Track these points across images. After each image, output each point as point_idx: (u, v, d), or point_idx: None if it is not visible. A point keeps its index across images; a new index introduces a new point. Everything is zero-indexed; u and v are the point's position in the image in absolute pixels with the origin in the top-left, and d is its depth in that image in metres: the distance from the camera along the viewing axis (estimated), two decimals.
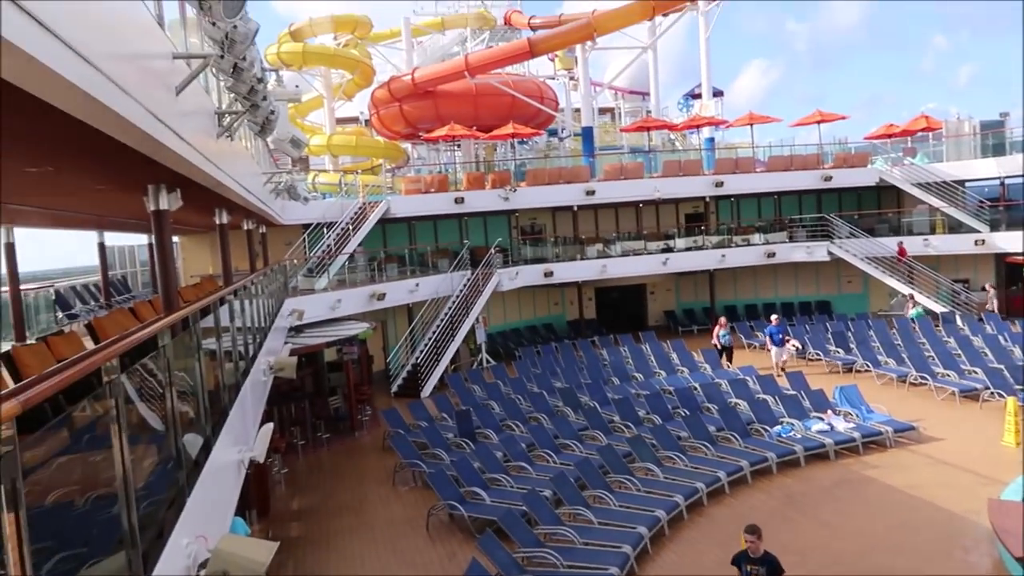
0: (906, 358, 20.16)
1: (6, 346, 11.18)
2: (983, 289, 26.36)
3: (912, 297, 25.63)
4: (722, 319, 23.38)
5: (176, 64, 5.50)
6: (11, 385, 6.41)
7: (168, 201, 7.10)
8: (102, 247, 18.28)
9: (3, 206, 9.52)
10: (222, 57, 4.80)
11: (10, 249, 12.42)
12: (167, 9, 5.64)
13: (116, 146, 4.57)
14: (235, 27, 4.23)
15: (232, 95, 6.70)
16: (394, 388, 23.40)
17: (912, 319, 24.34)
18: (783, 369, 21.10)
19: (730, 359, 22.43)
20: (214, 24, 4.18)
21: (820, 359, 22.67)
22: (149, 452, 4.61)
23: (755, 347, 25.21)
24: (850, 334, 23.33)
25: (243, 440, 7.82)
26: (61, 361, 7.10)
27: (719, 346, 22.61)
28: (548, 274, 26.72)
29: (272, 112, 7.07)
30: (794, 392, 17.35)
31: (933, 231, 28.19)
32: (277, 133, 8.31)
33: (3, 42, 2.20)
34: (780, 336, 21.86)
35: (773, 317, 22.72)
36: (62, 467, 3.33)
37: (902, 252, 27.39)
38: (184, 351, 5.53)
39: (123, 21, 3.98)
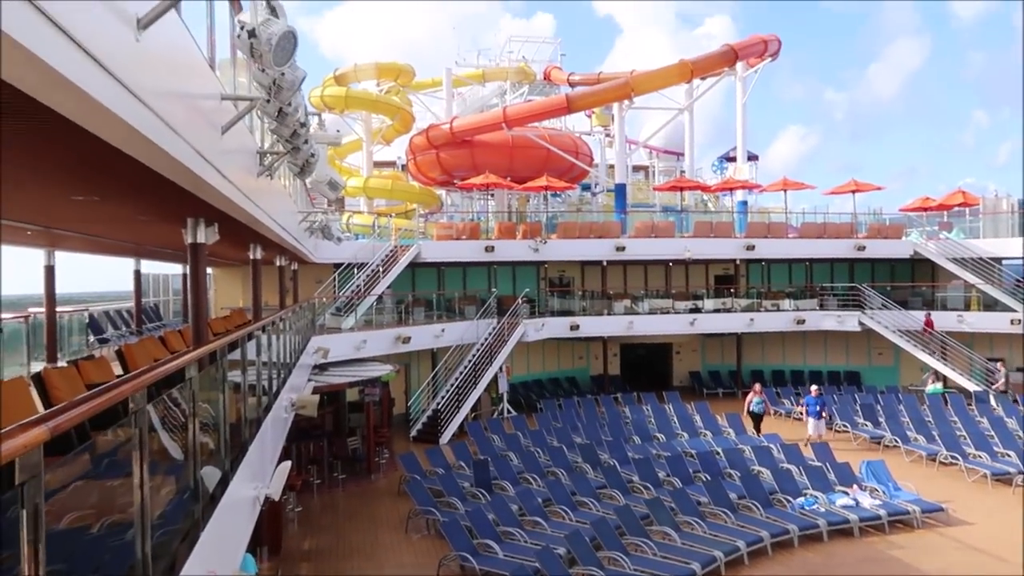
0: (936, 436, 19.64)
1: (37, 366, 11.40)
2: (998, 368, 25.61)
3: (935, 373, 25.14)
4: (756, 386, 22.58)
5: (223, 103, 5.70)
6: (40, 406, 6.52)
7: (205, 235, 7.28)
8: (138, 274, 18.67)
9: (48, 231, 9.81)
10: (268, 101, 4.96)
11: (50, 272, 12.75)
12: (218, 48, 5.86)
13: (160, 180, 4.72)
14: (283, 74, 4.39)
15: (274, 136, 6.89)
16: (413, 432, 23.30)
17: (928, 394, 23.79)
18: (817, 439, 20.02)
19: (758, 428, 21.57)
20: (263, 70, 4.33)
21: (847, 431, 22.15)
22: (167, 482, 4.63)
23: (781, 414, 24.75)
24: (879, 407, 22.82)
25: (260, 476, 7.82)
26: (90, 385, 7.22)
27: (751, 414, 21.76)
28: (574, 327, 26.65)
29: (312, 155, 7.25)
30: (819, 464, 16.95)
31: (968, 308, 27.69)
32: (316, 175, 8.50)
33: (62, 79, 2.31)
34: (818, 408, 20.95)
35: (813, 388, 21.82)
36: (80, 491, 3.35)
37: (929, 323, 26.98)
38: (210, 384, 5.59)
39: (177, 61, 4.15)
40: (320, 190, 10.35)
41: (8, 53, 1.99)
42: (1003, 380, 24.92)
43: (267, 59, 3.70)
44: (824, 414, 21.47)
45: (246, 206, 6.99)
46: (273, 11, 3.59)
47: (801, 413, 21.74)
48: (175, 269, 23.35)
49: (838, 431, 22.30)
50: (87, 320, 16.05)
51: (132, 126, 3.05)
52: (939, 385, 24.75)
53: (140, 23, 3.08)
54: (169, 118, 3.69)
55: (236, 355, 7.06)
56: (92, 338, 15.83)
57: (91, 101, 2.57)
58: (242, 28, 3.61)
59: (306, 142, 6.50)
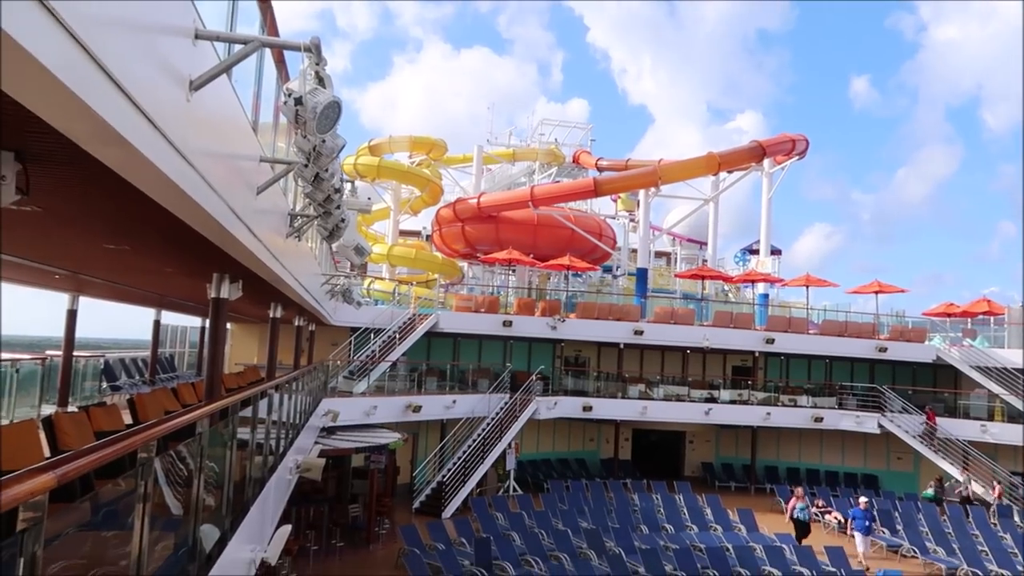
0: (956, 549, 18.91)
1: (48, 409, 11.41)
2: (996, 483, 24.85)
3: (940, 479, 24.56)
4: (799, 490, 20.68)
5: (261, 165, 5.86)
6: (47, 450, 6.49)
7: (229, 290, 7.37)
8: (157, 324, 18.84)
9: (76, 276, 9.99)
10: (306, 166, 5.10)
11: (71, 316, 12.90)
12: (261, 111, 6.06)
13: (190, 234, 4.81)
14: (324, 142, 4.52)
15: (307, 199, 7.05)
16: (416, 504, 22.84)
17: (923, 498, 23.51)
18: (865, 562, 18.37)
19: (803, 538, 19.38)
20: (305, 137, 4.46)
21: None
22: (165, 538, 4.55)
23: (829, 528, 23.88)
24: (897, 514, 22.09)
25: (258, 538, 7.67)
26: (99, 432, 7.20)
27: (794, 521, 19.79)
28: (587, 408, 26.32)
29: (343, 220, 7.40)
30: (834, 570, 16.34)
31: (991, 417, 27.08)
32: (344, 239, 8.63)
33: (114, 133, 2.39)
34: (867, 523, 19.08)
35: (862, 500, 20.09)
36: (75, 541, 3.29)
37: (931, 416, 26.75)
38: (218, 439, 5.55)
39: (222, 122, 4.30)
40: (346, 255, 10.49)
41: (65, 105, 2.07)
42: (997, 492, 24.22)
43: (310, 126, 3.82)
44: (834, 515, 20.42)
45: (272, 265, 7.08)
46: (321, 81, 3.73)
47: (848, 527, 19.63)
48: (194, 321, 23.54)
49: (853, 536, 21.50)
50: (102, 367, 16.13)
51: (174, 181, 3.13)
52: (930, 491, 24.07)
53: (192, 84, 3.20)
54: (208, 175, 3.79)
55: (246, 412, 7.03)
56: (105, 384, 15.87)
57: (138, 156, 2.65)
58: (289, 95, 3.75)
59: (338, 207, 6.64)
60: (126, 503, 3.52)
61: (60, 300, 13.00)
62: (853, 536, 19.35)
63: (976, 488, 24.83)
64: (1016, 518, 22.65)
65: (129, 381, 17.11)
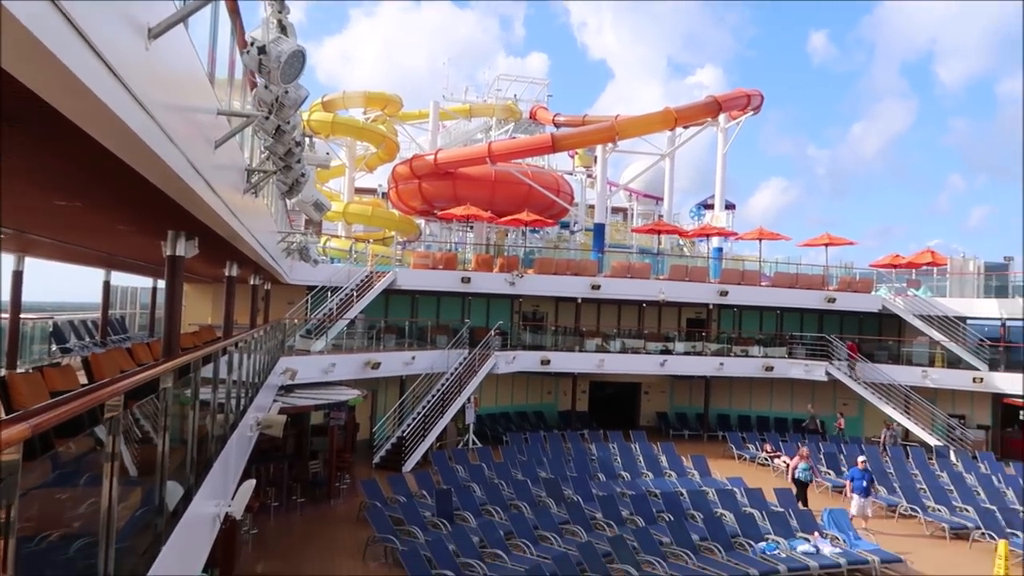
0: (897, 488, 19.88)
1: None
2: (887, 427, 25.94)
3: (887, 424, 25.82)
4: (804, 449, 19.81)
5: (218, 119, 5.75)
6: (1, 410, 6.40)
7: (185, 248, 7.25)
8: (107, 285, 18.41)
9: (22, 235, 9.70)
10: (267, 118, 5.02)
11: (17, 277, 12.54)
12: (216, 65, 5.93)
13: (147, 189, 4.73)
14: (287, 92, 4.45)
15: (264, 154, 6.94)
16: (376, 459, 23.02)
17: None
18: (864, 522, 17.54)
19: (805, 500, 18.72)
20: (267, 87, 4.40)
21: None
22: (131, 494, 4.56)
23: (745, 459, 24.90)
24: (842, 457, 23.06)
25: (222, 493, 7.71)
26: (54, 392, 7.10)
27: (795, 481, 19.15)
28: (545, 362, 26.69)
29: (303, 175, 7.30)
30: (782, 509, 17.05)
31: (932, 364, 28.27)
32: (303, 195, 8.54)
33: (78, 84, 2.35)
34: (865, 484, 17.64)
35: (860, 459, 18.70)
36: (39, 499, 3.30)
37: (852, 349, 28.16)
38: (181, 396, 5.55)
39: (181, 74, 4.21)
40: (306, 211, 10.38)
41: (30, 54, 2.03)
42: (884, 437, 25.54)
43: (275, 76, 3.76)
44: (783, 459, 20.27)
45: (231, 221, 7.00)
46: (283, 29, 3.67)
47: (845, 488, 18.31)
48: (144, 282, 23.02)
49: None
50: (51, 329, 15.76)
51: (136, 133, 3.09)
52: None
53: (151, 32, 3.14)
54: (169, 128, 3.73)
55: (207, 371, 7.00)
56: (55, 347, 15.53)
57: (101, 107, 2.61)
58: (252, 44, 3.68)
59: (299, 161, 6.55)
60: (92, 460, 3.53)
61: (5, 262, 12.61)
62: (851, 498, 17.85)
63: (920, 432, 26.05)
64: (952, 457, 23.84)
65: (80, 343, 16.73)
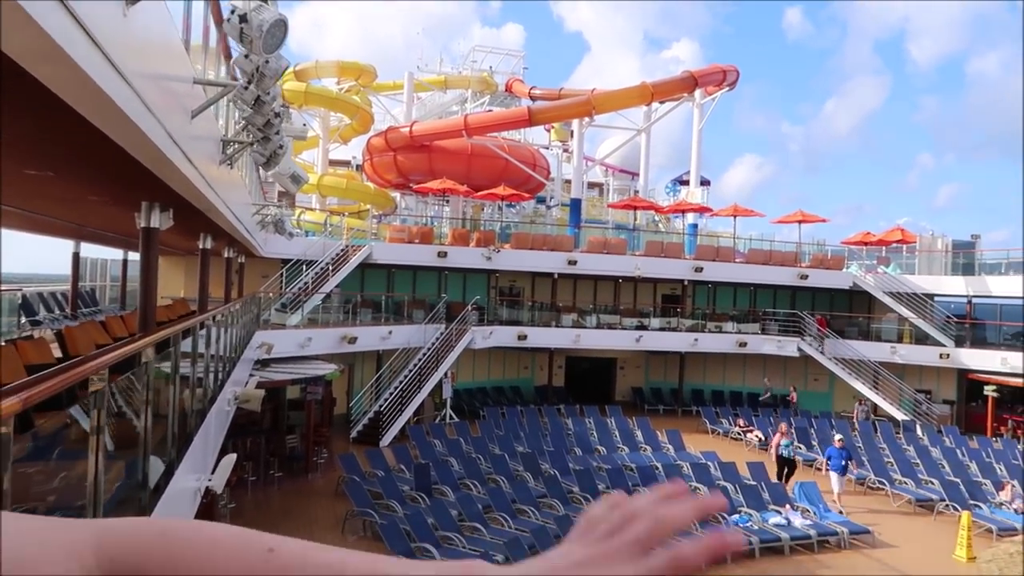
0: (866, 461, 20.32)
1: None
2: (859, 403, 26.96)
3: (859, 400, 26.36)
4: (783, 425, 19.90)
5: (194, 89, 5.61)
6: None
7: (160, 220, 7.12)
8: (76, 257, 18.08)
9: None
10: (247, 88, 4.91)
11: None
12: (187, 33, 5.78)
13: (121, 159, 4.62)
14: (267, 62, 4.35)
15: (240, 124, 6.81)
16: (353, 434, 23.01)
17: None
18: (838, 500, 17.51)
19: (788, 477, 18.61)
20: (247, 56, 4.29)
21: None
22: (113, 469, 4.52)
23: (719, 433, 25.27)
24: (812, 431, 23.50)
25: (202, 468, 7.67)
26: (28, 366, 6.98)
27: (779, 459, 18.98)
28: (522, 337, 26.76)
29: (281, 146, 7.18)
30: (754, 483, 17.37)
31: (900, 340, 28.80)
32: (280, 167, 8.41)
33: (56, 49, 2.27)
34: (843, 462, 17.72)
35: (837, 438, 18.71)
36: (27, 475, 3.26)
37: (821, 323, 28.72)
38: (160, 371, 5.48)
39: (157, 42, 4.09)
40: (283, 183, 10.23)
41: (8, 17, 1.95)
42: (856, 412, 26.39)
43: (256, 45, 3.67)
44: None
45: (206, 193, 6.87)
46: None
47: (822, 466, 18.59)
48: (115, 254, 22.64)
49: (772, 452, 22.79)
50: (20, 301, 15.46)
51: (113, 101, 3.00)
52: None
53: None
54: (146, 96, 3.63)
55: (184, 344, 6.91)
56: (24, 319, 15.25)
57: (79, 72, 2.53)
58: (233, 12, 3.58)
59: (277, 132, 6.43)
60: (76, 435, 3.48)
61: None
62: (828, 475, 18.15)
63: (888, 407, 26.63)
64: (918, 431, 24.40)
65: (50, 316, 16.46)
